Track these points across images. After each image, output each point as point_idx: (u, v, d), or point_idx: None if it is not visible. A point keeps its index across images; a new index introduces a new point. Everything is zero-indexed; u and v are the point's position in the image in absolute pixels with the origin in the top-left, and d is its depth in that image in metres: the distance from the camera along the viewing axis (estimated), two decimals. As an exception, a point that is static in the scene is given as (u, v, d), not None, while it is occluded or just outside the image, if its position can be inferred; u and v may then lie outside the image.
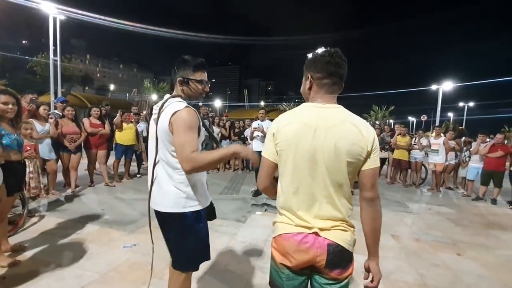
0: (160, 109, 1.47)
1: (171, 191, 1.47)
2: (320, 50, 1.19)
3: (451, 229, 4.23)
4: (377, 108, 34.16)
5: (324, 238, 1.12)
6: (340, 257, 1.12)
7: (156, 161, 1.50)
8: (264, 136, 5.38)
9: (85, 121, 5.35)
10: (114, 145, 5.99)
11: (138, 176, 6.46)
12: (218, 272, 2.58)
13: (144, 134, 6.55)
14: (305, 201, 1.15)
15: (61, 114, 4.97)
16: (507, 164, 6.02)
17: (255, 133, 5.53)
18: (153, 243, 1.61)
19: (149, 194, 1.54)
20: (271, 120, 6.11)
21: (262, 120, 5.71)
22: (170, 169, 1.47)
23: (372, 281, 1.19)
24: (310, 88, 1.22)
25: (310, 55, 1.22)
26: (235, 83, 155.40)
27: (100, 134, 5.38)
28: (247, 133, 8.04)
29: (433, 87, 25.80)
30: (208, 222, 1.62)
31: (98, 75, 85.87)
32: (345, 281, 1.16)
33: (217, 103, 51.31)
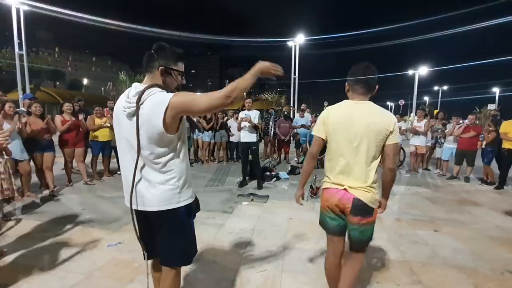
0: (138, 101, 1.31)
1: (164, 188, 1.39)
2: (356, 67, 1.75)
3: (428, 207, 4.45)
4: (357, 94, 34.71)
5: (351, 193, 1.65)
6: (360, 208, 1.65)
7: (139, 162, 1.37)
8: (251, 127, 5.30)
9: (57, 118, 5.02)
10: (90, 142, 5.75)
11: (119, 173, 6.29)
12: (206, 264, 2.59)
13: None
14: (342, 166, 1.69)
15: (25, 111, 4.69)
16: (479, 143, 6.34)
17: (243, 123, 5.33)
18: (144, 252, 1.54)
19: (130, 197, 1.42)
20: (258, 110, 6.06)
21: (248, 110, 5.51)
22: (160, 166, 1.38)
23: (380, 208, 1.78)
24: (348, 91, 1.78)
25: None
26: (215, 73, 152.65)
27: (77, 130, 5.13)
28: (230, 123, 7.99)
29: (410, 72, 26.59)
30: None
31: (70, 69, 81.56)
32: (364, 227, 1.68)
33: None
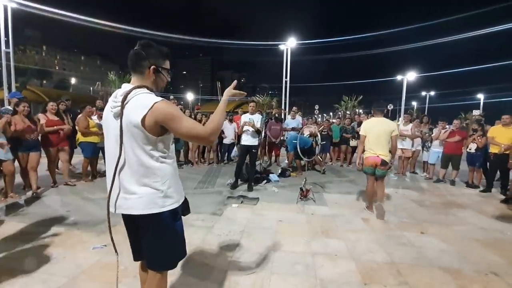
0: (123, 101, 1.31)
1: (147, 192, 1.35)
2: (376, 102, 4.39)
3: (415, 209, 4.54)
4: (347, 98, 35.17)
5: (380, 157, 3.97)
6: (384, 163, 3.97)
7: (120, 163, 1.35)
8: (253, 131, 5.28)
9: (41, 117, 4.86)
10: (79, 143, 5.57)
11: (107, 174, 6.15)
12: (194, 267, 2.55)
13: None
14: (374, 146, 4.02)
15: (11, 109, 4.55)
16: (463, 148, 6.52)
17: (245, 128, 5.29)
18: (117, 254, 1.52)
19: (108, 198, 1.39)
20: (260, 113, 6.04)
21: (252, 114, 5.45)
22: (143, 168, 1.34)
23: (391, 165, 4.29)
24: (374, 112, 4.28)
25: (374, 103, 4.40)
26: (207, 75, 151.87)
27: (60, 131, 4.98)
28: (223, 126, 7.96)
29: (398, 77, 27.16)
30: (183, 217, 1.57)
31: (57, 68, 79.76)
32: (384, 170, 4.04)
33: (189, 96, 50.06)
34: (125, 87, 1.38)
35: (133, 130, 1.30)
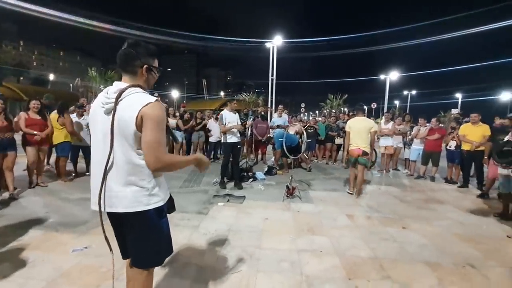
0: (117, 98, 1.30)
1: (132, 190, 1.35)
2: (358, 103, 5.69)
3: (397, 205, 4.66)
4: (332, 96, 35.62)
5: (362, 149, 4.87)
6: (365, 153, 4.87)
7: (111, 160, 1.33)
8: (237, 131, 5.38)
9: (22, 116, 4.64)
10: (59, 144, 5.35)
11: (87, 174, 5.97)
12: (180, 266, 2.52)
13: None
14: (357, 139, 4.95)
15: None
16: (443, 145, 6.75)
17: (234, 130, 5.31)
18: (112, 252, 1.46)
19: (98, 196, 1.37)
20: (247, 111, 5.99)
21: (234, 113, 5.50)
22: (130, 166, 1.34)
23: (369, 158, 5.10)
24: (357, 112, 5.34)
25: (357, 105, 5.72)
26: (192, 73, 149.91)
27: (43, 128, 4.78)
28: (210, 124, 7.89)
29: (382, 76, 27.83)
30: (168, 215, 1.56)
31: (35, 64, 76.52)
32: (365, 159, 4.91)
33: (175, 93, 49.32)
34: (118, 85, 1.38)
35: (124, 128, 1.31)
